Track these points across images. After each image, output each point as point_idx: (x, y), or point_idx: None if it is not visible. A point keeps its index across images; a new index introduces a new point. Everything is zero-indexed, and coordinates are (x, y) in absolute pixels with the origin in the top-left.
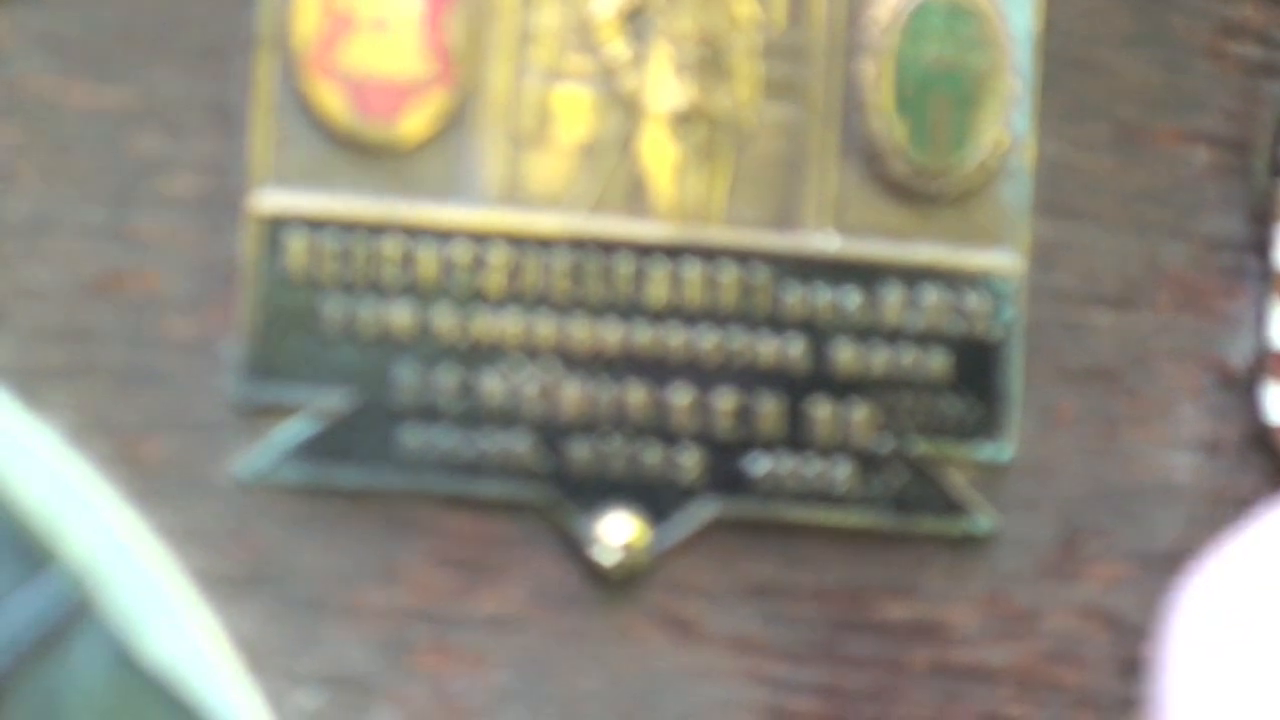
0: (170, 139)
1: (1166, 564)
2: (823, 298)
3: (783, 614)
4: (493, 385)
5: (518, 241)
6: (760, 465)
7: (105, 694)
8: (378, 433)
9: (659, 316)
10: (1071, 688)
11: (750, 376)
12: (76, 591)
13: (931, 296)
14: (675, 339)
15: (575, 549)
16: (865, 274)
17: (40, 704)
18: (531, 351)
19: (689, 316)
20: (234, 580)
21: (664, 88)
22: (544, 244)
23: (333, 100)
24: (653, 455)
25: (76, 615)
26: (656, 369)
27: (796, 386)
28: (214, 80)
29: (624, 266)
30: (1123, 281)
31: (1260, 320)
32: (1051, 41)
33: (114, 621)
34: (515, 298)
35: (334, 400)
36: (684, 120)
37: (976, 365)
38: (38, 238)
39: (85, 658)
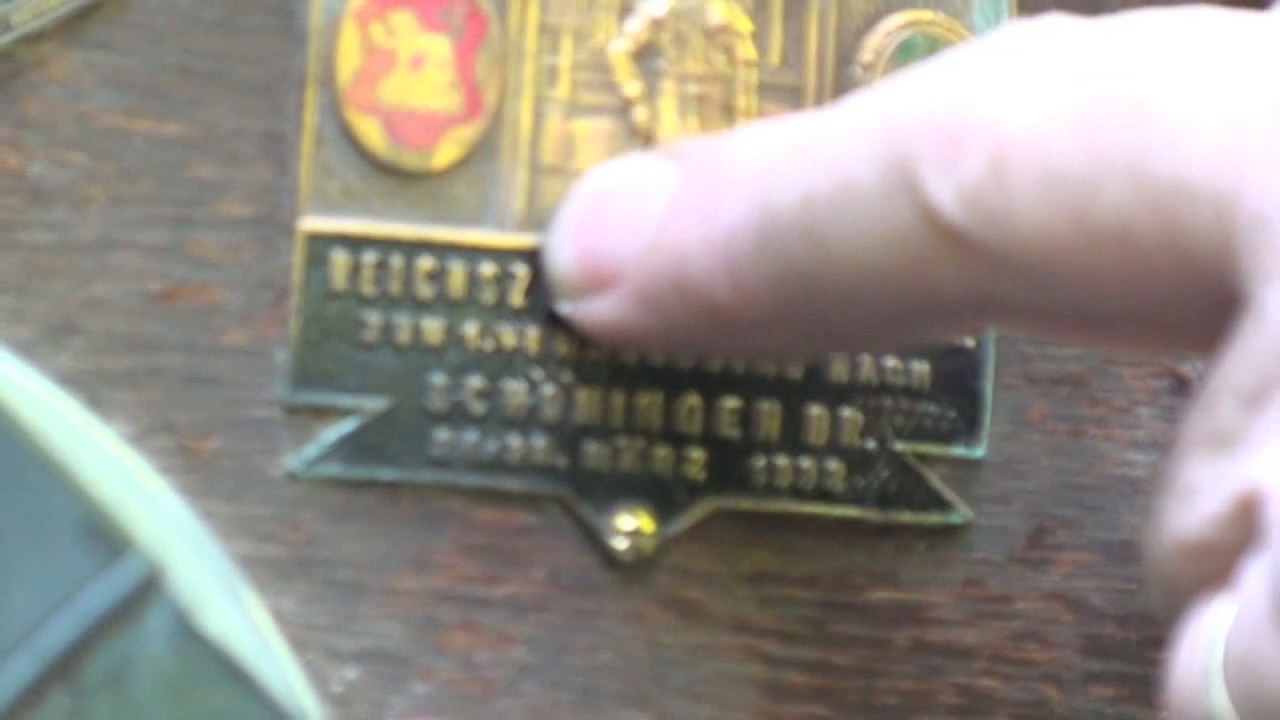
0: (226, 166)
1: (1126, 552)
2: None
3: (778, 597)
4: (515, 389)
5: (538, 260)
6: (758, 463)
7: (169, 660)
8: (412, 432)
9: None
10: (1039, 664)
11: (750, 383)
12: (147, 572)
13: None
14: None
15: (590, 538)
16: None
17: (112, 668)
18: (550, 359)
19: None
20: (281, 564)
21: (671, 121)
22: None
23: (372, 132)
24: (661, 453)
25: (146, 592)
26: (664, 376)
27: (792, 393)
28: (266, 114)
29: None
30: None
31: None
32: None
33: (177, 599)
34: (535, 311)
35: (373, 402)
36: None
37: (953, 373)
38: (106, 255)
39: (152, 628)
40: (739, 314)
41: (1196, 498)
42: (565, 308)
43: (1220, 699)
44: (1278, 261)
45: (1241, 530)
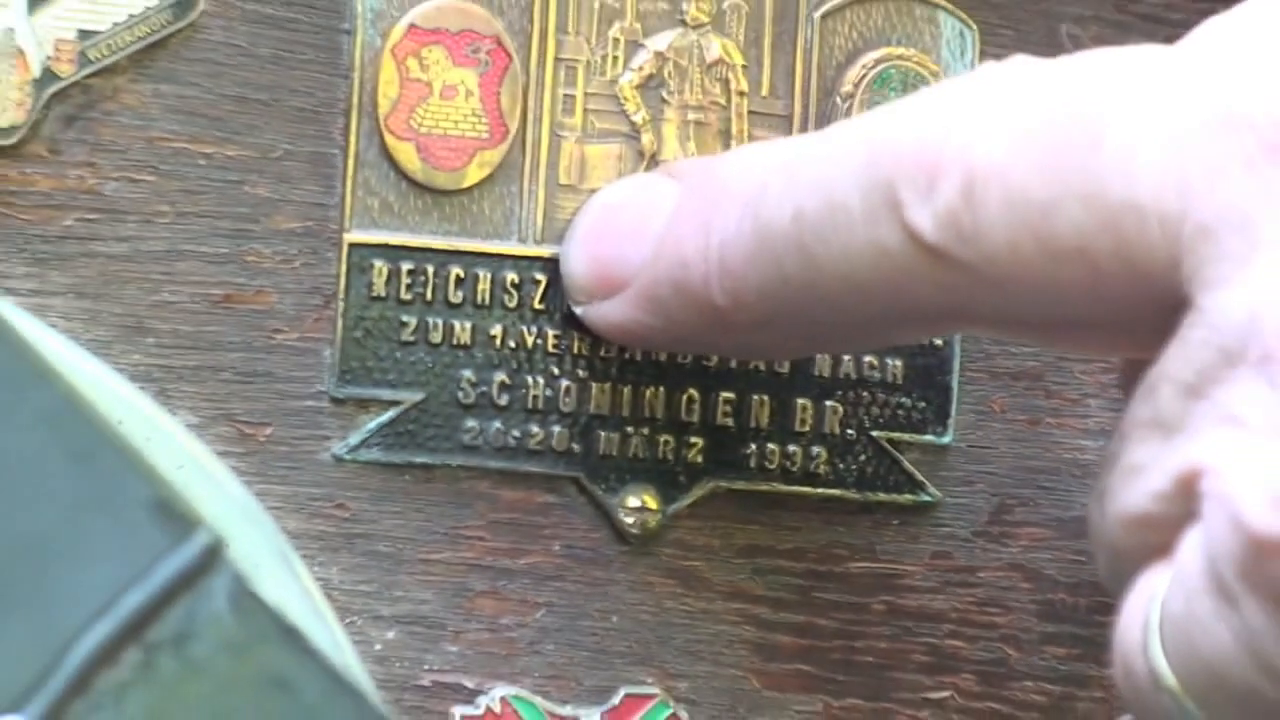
0: (279, 185)
1: (1077, 528)
2: None
3: (768, 568)
4: (535, 383)
5: (555, 268)
6: (751, 449)
7: (230, 621)
8: (444, 421)
9: None
10: (1000, 626)
11: (743, 378)
12: (212, 542)
13: None
14: None
15: (602, 515)
16: None
17: (179, 627)
18: (566, 356)
19: None
20: (328, 538)
21: (673, 145)
22: None
23: (409, 155)
24: (664, 440)
25: (210, 560)
26: (667, 371)
27: (781, 386)
28: (314, 139)
29: None
30: None
31: None
32: None
33: (237, 567)
34: (552, 313)
35: (410, 395)
36: None
37: (924, 369)
38: (173, 264)
39: (215, 593)
40: (733, 316)
41: (1141, 476)
42: (578, 309)
43: (1157, 655)
44: (1218, 270)
45: (1182, 505)
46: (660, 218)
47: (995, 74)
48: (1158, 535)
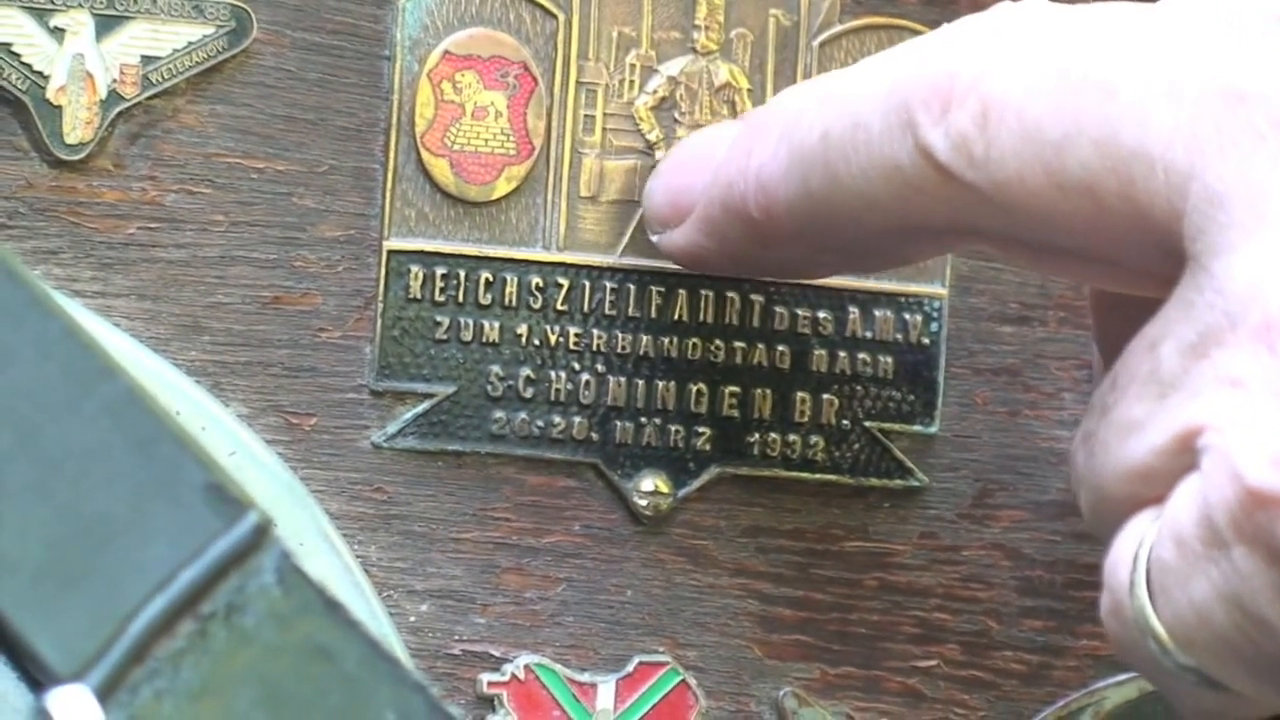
0: (324, 197)
1: (1053, 510)
2: (803, 315)
3: (770, 547)
4: (558, 377)
5: (576, 272)
6: (755, 438)
7: (277, 593)
8: (474, 412)
9: (680, 328)
10: (982, 601)
11: (749, 372)
12: (261, 522)
13: (881, 314)
14: (693, 344)
15: (618, 498)
16: (834, 298)
17: (231, 600)
18: (586, 353)
19: (704, 328)
20: (367, 519)
21: None
22: (595, 275)
23: (443, 170)
24: (676, 430)
25: (259, 539)
26: (679, 366)
27: (782, 381)
28: (357, 155)
29: (654, 291)
30: (1021, 304)
31: None
32: None
33: (284, 545)
34: (573, 314)
35: (443, 388)
36: None
37: (913, 365)
38: (227, 269)
39: (264, 567)
40: (768, 230)
41: (1140, 431)
42: (655, 238)
43: (1143, 598)
44: (1225, 237)
45: (1179, 460)
46: (721, 150)
47: (1011, 13)
48: (1152, 487)
